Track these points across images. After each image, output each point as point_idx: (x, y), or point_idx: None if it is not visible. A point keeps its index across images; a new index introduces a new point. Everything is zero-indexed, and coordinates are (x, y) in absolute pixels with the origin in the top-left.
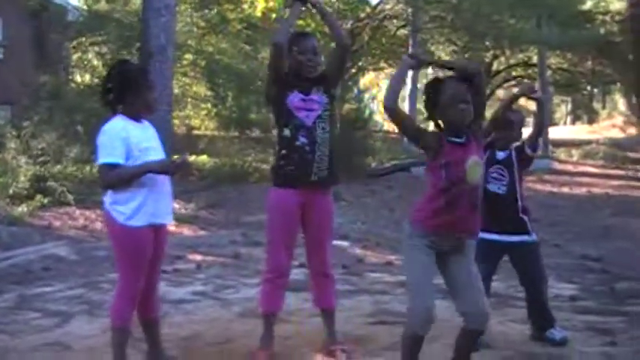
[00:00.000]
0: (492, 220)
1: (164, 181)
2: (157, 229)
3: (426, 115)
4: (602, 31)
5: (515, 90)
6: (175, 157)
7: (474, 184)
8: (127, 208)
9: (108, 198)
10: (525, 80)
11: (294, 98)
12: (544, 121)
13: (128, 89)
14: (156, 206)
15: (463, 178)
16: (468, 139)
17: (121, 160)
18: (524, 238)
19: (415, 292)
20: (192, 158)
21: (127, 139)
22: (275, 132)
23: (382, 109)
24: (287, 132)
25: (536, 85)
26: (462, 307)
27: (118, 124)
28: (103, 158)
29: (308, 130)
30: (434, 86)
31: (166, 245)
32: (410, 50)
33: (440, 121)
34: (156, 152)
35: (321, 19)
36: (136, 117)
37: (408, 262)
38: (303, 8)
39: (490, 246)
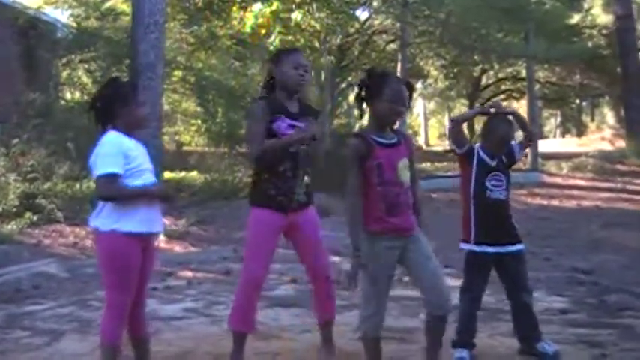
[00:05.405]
0: (491, 229)
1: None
2: (146, 242)
3: (357, 107)
4: (589, 44)
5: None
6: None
7: (407, 186)
8: (113, 214)
9: (94, 214)
10: (514, 94)
11: (282, 124)
12: (528, 128)
13: (120, 106)
14: (143, 214)
15: (396, 180)
16: (399, 141)
17: (121, 171)
18: (520, 246)
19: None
20: (182, 174)
21: (126, 152)
22: None
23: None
24: None
25: (525, 99)
26: (425, 294)
27: (116, 137)
28: (103, 169)
29: (292, 156)
30: (376, 78)
31: (156, 260)
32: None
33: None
34: (150, 173)
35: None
36: (128, 133)
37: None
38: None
39: (485, 259)
